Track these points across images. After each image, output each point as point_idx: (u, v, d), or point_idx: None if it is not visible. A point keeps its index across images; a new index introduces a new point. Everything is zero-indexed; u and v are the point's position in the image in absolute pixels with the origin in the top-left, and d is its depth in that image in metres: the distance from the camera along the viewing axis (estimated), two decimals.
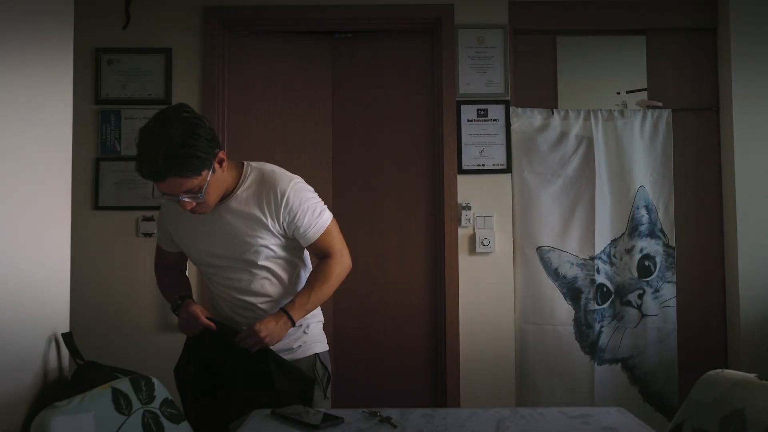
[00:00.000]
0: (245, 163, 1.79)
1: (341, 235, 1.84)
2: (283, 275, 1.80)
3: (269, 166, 1.79)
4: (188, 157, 1.55)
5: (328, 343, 1.91)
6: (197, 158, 1.57)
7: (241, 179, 1.75)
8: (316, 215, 1.76)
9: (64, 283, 1.92)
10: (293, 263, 1.82)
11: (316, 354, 1.84)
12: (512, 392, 2.92)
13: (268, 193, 1.72)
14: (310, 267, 1.87)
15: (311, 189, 1.80)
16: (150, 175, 1.56)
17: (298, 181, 1.77)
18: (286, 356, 1.77)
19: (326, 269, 1.77)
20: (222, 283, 1.81)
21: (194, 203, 1.64)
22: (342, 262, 1.81)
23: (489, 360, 2.90)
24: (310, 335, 1.84)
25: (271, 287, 1.79)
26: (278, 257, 1.78)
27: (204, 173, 1.61)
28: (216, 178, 1.65)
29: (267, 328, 1.64)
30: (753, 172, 2.91)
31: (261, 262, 1.75)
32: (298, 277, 1.83)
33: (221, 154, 1.66)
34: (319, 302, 1.78)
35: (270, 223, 1.72)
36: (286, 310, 1.69)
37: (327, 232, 1.78)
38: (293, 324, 1.70)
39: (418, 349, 3.02)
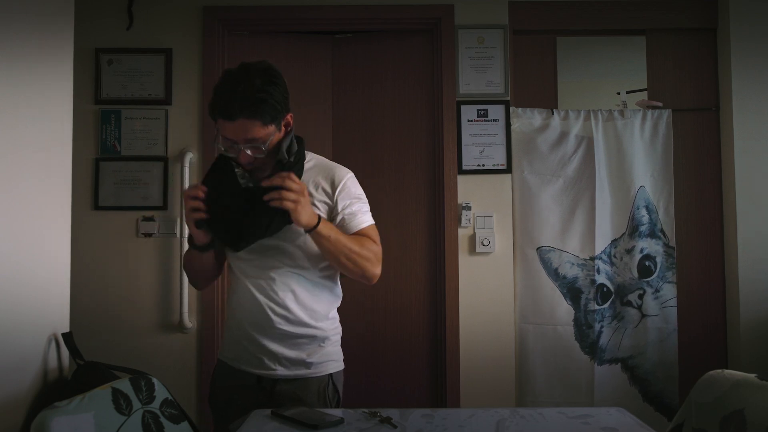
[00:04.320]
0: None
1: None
2: (312, 269, 1.72)
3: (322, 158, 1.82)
4: (263, 102, 1.57)
5: None
6: (271, 106, 1.58)
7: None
8: (364, 209, 1.75)
9: (64, 283, 1.91)
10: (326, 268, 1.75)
11: (330, 375, 1.74)
12: (512, 392, 2.92)
13: (326, 174, 1.73)
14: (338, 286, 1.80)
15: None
16: (222, 111, 1.57)
17: (353, 174, 1.79)
18: (298, 372, 1.69)
19: (363, 240, 1.69)
20: (254, 275, 1.70)
21: (253, 158, 1.61)
22: (376, 254, 1.70)
23: (489, 360, 2.91)
24: (327, 350, 1.74)
25: (298, 286, 1.70)
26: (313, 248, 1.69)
27: (272, 127, 1.61)
28: (278, 139, 1.65)
29: (304, 193, 1.56)
30: (753, 172, 2.91)
31: (298, 242, 1.67)
32: (329, 284, 1.77)
33: (289, 117, 1.67)
34: (340, 246, 1.62)
35: (321, 199, 1.70)
36: (319, 215, 1.62)
37: (372, 228, 1.74)
38: (318, 222, 1.59)
39: (418, 349, 3.02)
